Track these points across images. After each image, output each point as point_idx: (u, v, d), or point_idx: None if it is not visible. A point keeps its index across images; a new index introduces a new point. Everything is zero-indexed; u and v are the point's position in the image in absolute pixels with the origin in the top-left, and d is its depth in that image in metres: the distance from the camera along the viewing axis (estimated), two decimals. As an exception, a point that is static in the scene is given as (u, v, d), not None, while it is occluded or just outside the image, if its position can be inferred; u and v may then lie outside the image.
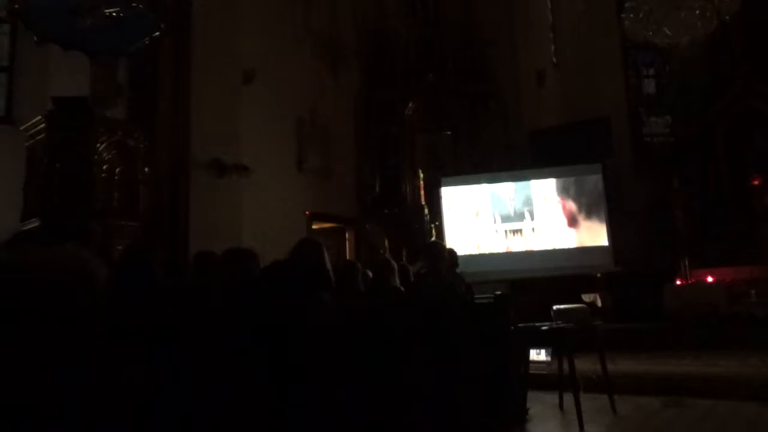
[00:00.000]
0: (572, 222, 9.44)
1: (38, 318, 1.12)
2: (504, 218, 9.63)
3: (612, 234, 9.22)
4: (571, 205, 9.45)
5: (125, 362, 1.29)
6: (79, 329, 1.17)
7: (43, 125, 5.75)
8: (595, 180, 9.44)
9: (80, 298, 1.17)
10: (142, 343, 1.51)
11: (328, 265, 2.89)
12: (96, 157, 5.81)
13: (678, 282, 8.85)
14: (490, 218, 9.65)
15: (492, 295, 4.95)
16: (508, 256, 9.52)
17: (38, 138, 5.82)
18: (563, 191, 9.52)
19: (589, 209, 9.39)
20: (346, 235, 10.61)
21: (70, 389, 1.12)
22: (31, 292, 1.13)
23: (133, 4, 4.89)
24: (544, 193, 9.57)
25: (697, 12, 6.62)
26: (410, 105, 10.72)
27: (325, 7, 10.28)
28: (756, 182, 9.12)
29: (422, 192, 10.22)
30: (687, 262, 8.90)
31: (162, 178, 7.20)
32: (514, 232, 9.61)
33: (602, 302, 8.98)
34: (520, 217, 9.59)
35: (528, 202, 9.61)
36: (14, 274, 1.15)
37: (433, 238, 9.52)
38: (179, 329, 2.03)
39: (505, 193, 9.70)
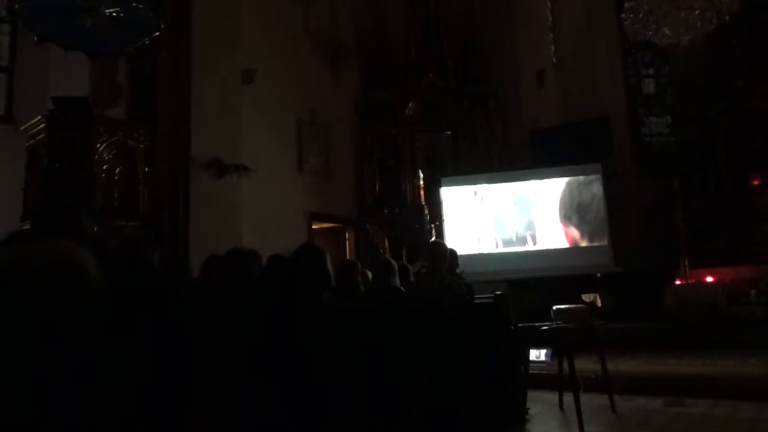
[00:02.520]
0: (575, 245, 9.41)
1: (26, 316, 1.11)
2: (506, 243, 9.59)
3: (612, 234, 9.22)
4: (575, 232, 9.38)
5: (125, 361, 1.29)
6: (72, 323, 1.16)
7: (43, 125, 5.75)
8: (595, 180, 9.44)
9: (67, 291, 1.15)
10: (142, 342, 1.51)
11: (328, 266, 2.90)
12: (96, 157, 5.82)
13: (678, 282, 8.85)
14: (492, 243, 9.62)
15: (492, 295, 4.94)
16: (508, 256, 9.52)
17: (38, 138, 5.83)
18: (566, 218, 9.41)
19: (588, 209, 9.38)
20: (346, 235, 10.61)
21: (68, 388, 1.12)
22: (15, 290, 1.11)
23: (133, 4, 4.88)
24: (547, 216, 9.47)
25: (697, 12, 6.61)
26: (410, 105, 10.72)
27: (325, 7, 10.28)
28: (756, 182, 9.11)
29: (422, 192, 10.23)
30: (687, 262, 8.89)
31: (162, 178, 7.19)
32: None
33: (602, 302, 8.98)
34: (522, 242, 9.56)
35: (530, 226, 9.55)
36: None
37: (433, 238, 9.53)
38: (179, 328, 2.03)
39: (507, 217, 9.61)
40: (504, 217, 9.67)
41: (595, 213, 9.38)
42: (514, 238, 9.58)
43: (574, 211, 9.47)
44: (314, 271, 2.69)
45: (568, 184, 9.56)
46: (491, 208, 9.71)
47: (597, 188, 9.43)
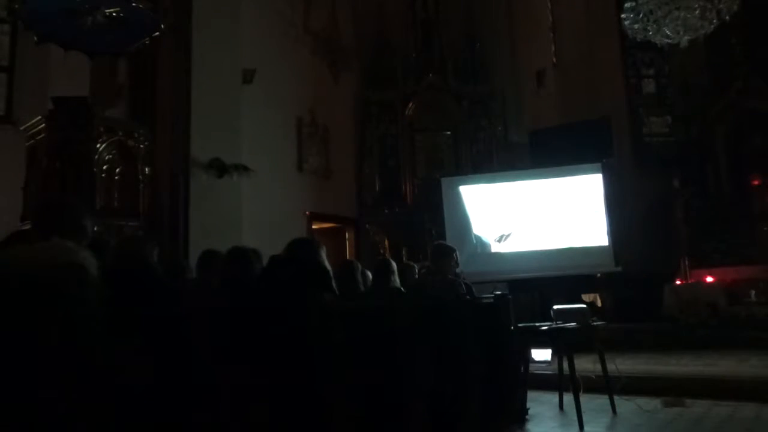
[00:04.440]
0: (575, 245, 9.39)
1: (27, 315, 1.11)
2: (505, 244, 9.60)
3: (612, 234, 9.21)
4: (574, 232, 9.35)
5: (125, 360, 1.29)
6: (73, 323, 1.16)
7: (43, 125, 5.76)
8: (595, 180, 9.43)
9: (68, 292, 1.15)
10: (142, 342, 1.51)
11: (326, 263, 2.90)
12: (96, 157, 5.82)
13: (678, 282, 8.84)
14: (491, 243, 9.61)
15: (492, 295, 4.94)
16: (508, 256, 9.51)
17: (38, 138, 5.83)
18: (565, 217, 9.35)
19: (589, 209, 9.37)
20: (346, 235, 10.61)
21: (68, 387, 1.12)
22: (17, 290, 1.11)
23: (133, 4, 4.89)
24: (546, 217, 9.41)
25: (697, 12, 6.61)
26: (410, 105, 10.71)
27: (325, 7, 10.28)
28: (756, 182, 9.11)
29: (422, 192, 10.22)
30: (687, 262, 8.89)
31: (162, 178, 7.19)
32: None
33: (602, 302, 8.98)
34: (522, 241, 9.56)
35: (530, 226, 9.49)
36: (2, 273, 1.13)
37: (438, 240, 9.53)
38: (178, 328, 2.03)
39: (507, 218, 9.55)
40: (503, 218, 9.66)
41: (593, 184, 9.36)
42: (514, 238, 9.57)
43: (573, 212, 9.46)
44: (314, 272, 2.69)
45: (568, 184, 9.55)
46: (491, 209, 9.70)
47: (597, 188, 9.42)
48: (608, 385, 4.89)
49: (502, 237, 9.52)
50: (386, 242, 10.18)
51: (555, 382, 5.19)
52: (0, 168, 6.83)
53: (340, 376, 2.41)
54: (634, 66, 11.16)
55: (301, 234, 8.89)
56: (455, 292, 4.33)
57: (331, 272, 2.89)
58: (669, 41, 7.01)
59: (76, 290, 1.17)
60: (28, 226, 4.99)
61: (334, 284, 2.95)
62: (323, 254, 3.01)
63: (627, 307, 8.63)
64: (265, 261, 3.20)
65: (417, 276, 5.07)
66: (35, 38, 5.28)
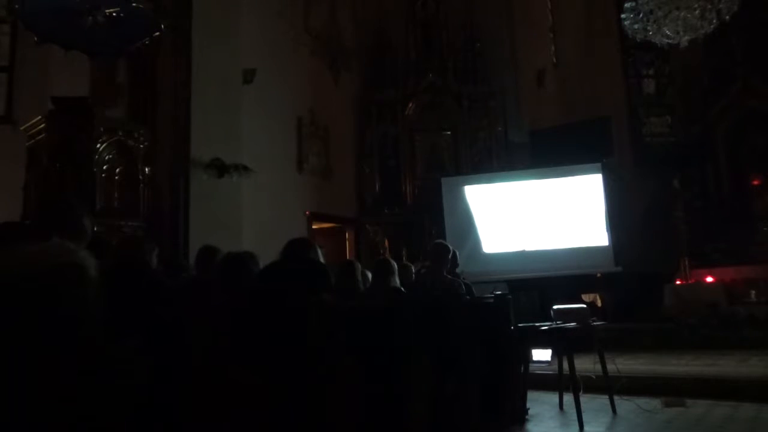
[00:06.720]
0: (575, 245, 9.40)
1: (28, 315, 1.10)
2: (505, 243, 9.61)
3: (612, 234, 9.22)
4: (574, 233, 9.34)
5: (124, 361, 1.29)
6: (73, 323, 1.16)
7: (43, 125, 5.76)
8: (595, 180, 9.43)
9: (71, 290, 1.15)
10: (141, 342, 1.51)
11: (322, 261, 2.90)
12: (96, 157, 5.83)
13: (678, 282, 8.84)
14: (491, 243, 9.64)
15: (492, 295, 4.94)
16: (508, 256, 9.51)
17: (38, 138, 5.84)
18: (565, 218, 9.36)
19: (589, 209, 9.37)
20: (346, 235, 10.61)
21: (68, 387, 1.12)
22: (17, 290, 1.11)
23: (133, 4, 4.88)
24: (546, 217, 9.42)
25: (697, 12, 6.61)
26: (410, 105, 10.72)
27: (325, 7, 10.27)
28: (756, 182, 9.11)
29: (422, 192, 10.21)
30: (687, 262, 8.89)
31: (162, 178, 7.20)
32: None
33: (602, 302, 8.97)
34: (521, 241, 9.58)
35: (530, 226, 9.52)
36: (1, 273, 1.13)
37: (437, 240, 9.52)
38: (178, 329, 2.03)
39: (507, 218, 9.57)
40: (504, 218, 9.66)
41: (593, 184, 9.36)
42: (514, 238, 9.57)
43: (573, 212, 9.46)
44: (313, 272, 2.69)
45: (568, 184, 9.55)
46: (491, 209, 9.71)
47: (597, 188, 9.42)
48: (608, 385, 4.89)
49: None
50: (386, 242, 10.18)
51: (555, 382, 5.20)
52: (0, 168, 6.84)
53: (340, 376, 2.41)
54: (634, 66, 11.14)
55: (301, 234, 8.89)
56: (455, 292, 4.33)
57: (327, 268, 2.89)
58: (669, 41, 7.01)
59: (76, 290, 1.17)
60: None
61: (332, 284, 2.95)
62: (319, 254, 3.02)
63: (627, 307, 8.63)
64: (264, 261, 3.20)
65: (414, 276, 5.07)
66: (35, 38, 5.27)
